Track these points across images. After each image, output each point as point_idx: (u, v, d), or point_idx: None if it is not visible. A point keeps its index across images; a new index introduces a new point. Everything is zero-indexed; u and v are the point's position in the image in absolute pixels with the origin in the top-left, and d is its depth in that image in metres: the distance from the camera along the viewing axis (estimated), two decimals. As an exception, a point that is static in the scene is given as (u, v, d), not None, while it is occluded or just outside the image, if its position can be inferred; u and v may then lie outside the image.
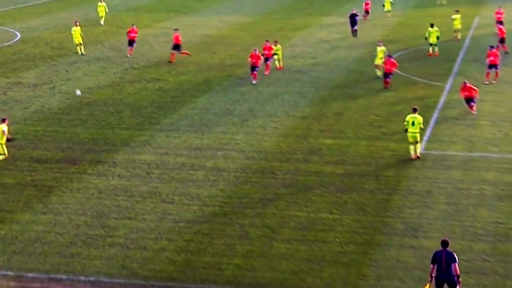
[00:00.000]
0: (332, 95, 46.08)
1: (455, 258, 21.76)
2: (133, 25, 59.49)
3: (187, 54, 55.92)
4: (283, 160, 34.67)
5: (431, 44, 56.55)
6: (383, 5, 73.87)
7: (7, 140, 34.61)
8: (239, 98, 45.56)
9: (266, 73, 50.23)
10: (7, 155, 34.29)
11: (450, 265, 21.63)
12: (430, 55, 56.19)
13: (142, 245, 26.31)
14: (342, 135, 38.23)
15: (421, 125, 33.98)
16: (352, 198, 30.14)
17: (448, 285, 21.80)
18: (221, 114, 42.15)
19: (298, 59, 56.07)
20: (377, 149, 35.92)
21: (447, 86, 47.40)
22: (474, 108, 41.34)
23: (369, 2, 73.63)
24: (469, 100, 41.36)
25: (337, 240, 26.60)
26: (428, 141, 36.94)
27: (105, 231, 27.42)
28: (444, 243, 22.03)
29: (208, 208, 29.40)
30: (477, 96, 41.44)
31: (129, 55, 56.80)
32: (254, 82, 48.12)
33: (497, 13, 61.59)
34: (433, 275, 21.82)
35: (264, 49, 51.07)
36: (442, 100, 44.39)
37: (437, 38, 56.49)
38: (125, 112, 42.66)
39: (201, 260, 25.26)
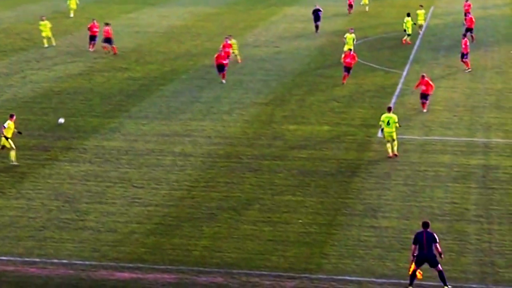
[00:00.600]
0: (294, 82, 46.14)
1: (435, 239, 21.92)
2: (93, 19, 56.09)
3: (114, 51, 53.24)
4: (248, 145, 34.70)
5: (406, 32, 56.33)
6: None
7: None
8: (205, 86, 45.45)
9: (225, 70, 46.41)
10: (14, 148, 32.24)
11: (431, 245, 21.83)
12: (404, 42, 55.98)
13: (112, 228, 26.21)
14: (305, 120, 38.34)
15: (397, 124, 32.76)
16: (314, 181, 30.26)
17: (429, 263, 22.00)
18: (188, 101, 42.03)
19: (262, 48, 56.03)
20: (338, 134, 36.08)
21: (404, 73, 47.70)
22: (426, 106, 38.99)
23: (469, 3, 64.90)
24: (423, 96, 39.33)
25: (300, 221, 26.71)
26: (386, 126, 37.13)
27: (76, 215, 27.27)
28: (425, 224, 22.15)
29: (176, 192, 29.35)
30: (431, 93, 39.19)
31: (90, 49, 54.29)
32: (223, 81, 45.26)
33: (465, 5, 61.25)
34: (415, 254, 21.94)
35: (224, 46, 48.34)
36: (399, 86, 44.67)
37: (413, 25, 57.28)
38: (94, 100, 42.36)
39: (170, 242, 25.23)
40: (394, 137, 32.70)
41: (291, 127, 37.29)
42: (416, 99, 41.93)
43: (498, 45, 56.08)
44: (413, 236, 22.25)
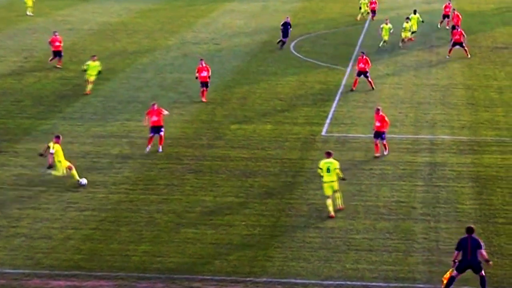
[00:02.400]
0: (236, 80, 46.23)
1: (480, 245, 21.83)
2: (55, 32, 50.27)
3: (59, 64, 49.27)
4: (189, 146, 34.65)
5: (411, 30, 55.40)
6: (360, 7, 65.39)
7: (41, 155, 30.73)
8: (142, 85, 45.23)
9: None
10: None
11: (476, 251, 21.75)
12: (411, 40, 55.09)
13: (47, 235, 25.91)
14: (247, 119, 38.44)
15: (339, 171, 27.17)
16: (257, 182, 30.36)
17: (473, 270, 21.96)
18: (125, 101, 41.78)
19: (201, 45, 55.97)
20: (281, 133, 36.26)
21: (348, 70, 48.15)
22: (379, 148, 33.46)
23: (375, 1, 65.51)
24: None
25: (243, 223, 26.76)
26: (330, 124, 37.50)
27: (7, 222, 26.88)
28: (470, 230, 21.98)
29: (114, 196, 29.14)
30: (386, 130, 33.33)
31: (58, 66, 48.92)
32: (203, 100, 41.07)
33: (446, 7, 61.45)
34: (456, 260, 21.91)
35: (199, 70, 41.92)
36: (343, 83, 45.08)
37: (422, 22, 57.48)
38: (26, 101, 41.81)
39: (108, 248, 25.04)
40: (336, 187, 27.20)
41: (233, 126, 37.34)
42: (361, 95, 42.40)
43: (444, 40, 56.95)
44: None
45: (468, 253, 21.78)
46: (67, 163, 29.96)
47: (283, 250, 24.91)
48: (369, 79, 43.16)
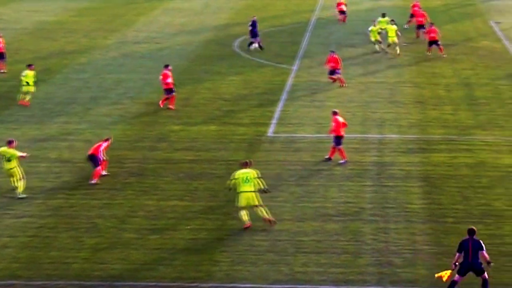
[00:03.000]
0: (178, 80, 46.04)
1: (482, 246, 21.96)
2: None
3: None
4: (130, 148, 34.51)
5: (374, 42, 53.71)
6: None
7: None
8: (81, 86, 44.90)
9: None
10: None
11: (477, 253, 21.89)
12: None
13: (-18, 243, 25.57)
14: (190, 120, 38.41)
15: (260, 182, 26.62)
16: (202, 185, 30.37)
17: (475, 272, 22.09)
18: (63, 103, 41.42)
19: (142, 45, 55.75)
20: (226, 134, 36.33)
21: (294, 68, 48.43)
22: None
23: (342, 2, 63.60)
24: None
25: (188, 227, 26.76)
26: (277, 124, 37.68)
27: None
28: (471, 231, 22.11)
29: (52, 202, 28.89)
30: (343, 134, 33.03)
31: (4, 71, 47.63)
32: (170, 106, 39.88)
33: (413, 6, 61.12)
34: (457, 263, 22.02)
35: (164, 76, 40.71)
36: (289, 82, 45.33)
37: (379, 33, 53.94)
38: (-42, 104, 41.20)
39: (47, 256, 24.82)
40: (256, 200, 26.53)
41: (176, 127, 37.29)
42: (308, 94, 42.71)
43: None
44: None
45: (469, 255, 21.96)
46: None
47: (230, 254, 24.96)
48: (339, 76, 44.01)
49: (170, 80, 40.49)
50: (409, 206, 28.40)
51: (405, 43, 54.03)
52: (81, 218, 27.53)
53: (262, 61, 50.49)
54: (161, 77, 40.80)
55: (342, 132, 32.60)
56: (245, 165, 27.05)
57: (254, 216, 27.38)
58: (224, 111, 40.02)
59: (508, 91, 43.02)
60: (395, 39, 51.07)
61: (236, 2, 74.15)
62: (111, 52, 53.53)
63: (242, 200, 26.39)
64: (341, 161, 32.47)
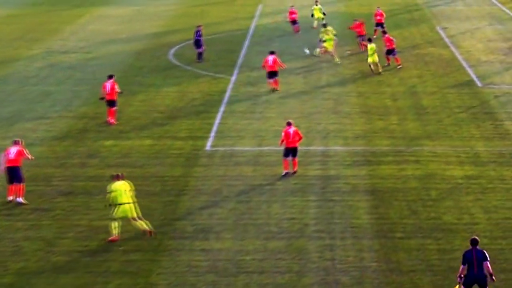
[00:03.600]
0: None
1: (486, 256, 22.03)
2: None
3: None
4: (58, 165, 34.24)
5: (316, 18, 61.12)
6: (312, 15, 63.17)
7: None
8: (4, 98, 44.47)
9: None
10: None
11: (481, 264, 21.96)
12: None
13: None
14: (123, 135, 38.26)
15: (131, 194, 27.41)
16: (137, 202, 30.19)
17: (479, 285, 22.13)
18: (-16, 118, 40.99)
19: (69, 54, 55.41)
20: (162, 149, 36.27)
21: (233, 78, 48.59)
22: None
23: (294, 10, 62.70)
24: (290, 151, 33.22)
25: (121, 248, 26.62)
26: (215, 137, 37.75)
27: None
28: (474, 241, 22.18)
29: (-27, 224, 28.52)
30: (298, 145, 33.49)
31: None
32: (112, 121, 39.79)
33: (377, 14, 61.37)
34: (462, 276, 22.05)
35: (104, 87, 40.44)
36: (228, 93, 45.46)
37: (324, 14, 61.26)
38: None
39: (-32, 282, 24.48)
40: (134, 214, 27.17)
41: (107, 142, 37.11)
42: (247, 106, 42.89)
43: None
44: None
45: (474, 266, 22.05)
46: None
47: (167, 276, 24.90)
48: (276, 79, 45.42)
49: (112, 91, 39.88)
50: (355, 221, 28.67)
51: (348, 50, 54.66)
52: (4, 241, 27.21)
53: (199, 71, 50.56)
54: (107, 88, 40.02)
55: (294, 144, 32.90)
56: (117, 178, 27.73)
57: (194, 233, 27.36)
58: (159, 124, 39.96)
59: (456, 100, 43.79)
60: (331, 48, 51.70)
61: (170, 8, 74.12)
62: (36, 62, 53.09)
63: (120, 212, 27.00)
64: (283, 173, 32.70)
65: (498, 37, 60.06)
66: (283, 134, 33.22)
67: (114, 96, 39.98)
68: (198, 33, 52.93)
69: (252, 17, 69.48)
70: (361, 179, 32.56)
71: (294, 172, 32.94)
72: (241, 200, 30.52)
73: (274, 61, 44.98)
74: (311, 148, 36.27)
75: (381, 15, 58.96)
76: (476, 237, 22.64)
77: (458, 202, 30.25)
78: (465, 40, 59.08)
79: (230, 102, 43.84)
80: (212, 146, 36.69)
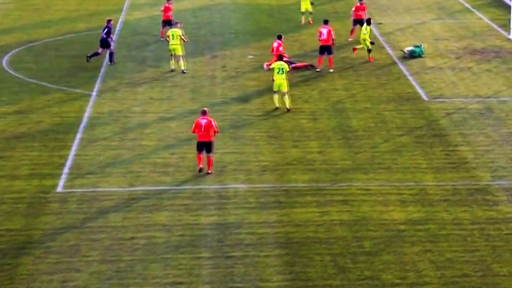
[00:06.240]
0: None
1: None
2: None
3: None
4: None
5: (303, 13, 64.11)
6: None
7: None
8: None
9: None
10: None
11: None
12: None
13: None
14: None
15: None
16: (-40, 267, 29.89)
17: None
18: None
19: None
20: (-5, 191, 36.01)
21: (94, 94, 48.38)
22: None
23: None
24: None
25: None
26: (70, 175, 37.48)
27: None
28: None
29: None
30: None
31: None
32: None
33: (359, 8, 61.44)
34: None
35: None
36: (87, 114, 45.22)
37: (312, 4, 64.40)
38: None
39: None
40: None
41: None
42: (113, 130, 42.73)
43: (231, 46, 58.45)
44: None
45: None
46: None
47: None
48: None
49: None
50: (264, 284, 28.79)
51: (251, 55, 55.10)
52: None
53: (46, 84, 50.23)
54: None
55: (208, 138, 36.74)
56: None
57: None
58: (-8, 158, 39.65)
59: (395, 119, 44.43)
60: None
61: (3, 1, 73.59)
62: None
63: None
64: (198, 168, 35.83)
65: (449, 35, 61.44)
66: (193, 124, 37.14)
67: None
68: (106, 30, 53.53)
69: (119, 11, 69.39)
70: (271, 227, 32.75)
71: (209, 173, 33.13)
72: (107, 259, 30.33)
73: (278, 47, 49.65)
74: (202, 187, 36.34)
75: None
76: None
77: (401, 256, 30.65)
78: (405, 39, 60.19)
79: (91, 126, 43.63)
80: (66, 187, 36.45)
